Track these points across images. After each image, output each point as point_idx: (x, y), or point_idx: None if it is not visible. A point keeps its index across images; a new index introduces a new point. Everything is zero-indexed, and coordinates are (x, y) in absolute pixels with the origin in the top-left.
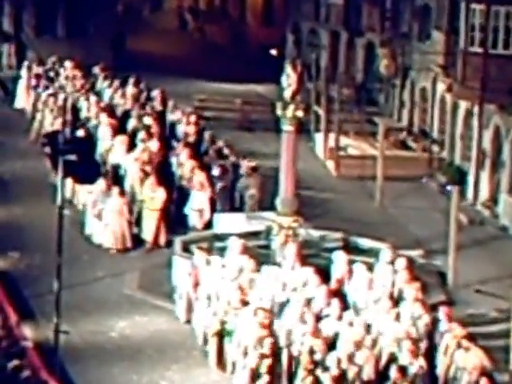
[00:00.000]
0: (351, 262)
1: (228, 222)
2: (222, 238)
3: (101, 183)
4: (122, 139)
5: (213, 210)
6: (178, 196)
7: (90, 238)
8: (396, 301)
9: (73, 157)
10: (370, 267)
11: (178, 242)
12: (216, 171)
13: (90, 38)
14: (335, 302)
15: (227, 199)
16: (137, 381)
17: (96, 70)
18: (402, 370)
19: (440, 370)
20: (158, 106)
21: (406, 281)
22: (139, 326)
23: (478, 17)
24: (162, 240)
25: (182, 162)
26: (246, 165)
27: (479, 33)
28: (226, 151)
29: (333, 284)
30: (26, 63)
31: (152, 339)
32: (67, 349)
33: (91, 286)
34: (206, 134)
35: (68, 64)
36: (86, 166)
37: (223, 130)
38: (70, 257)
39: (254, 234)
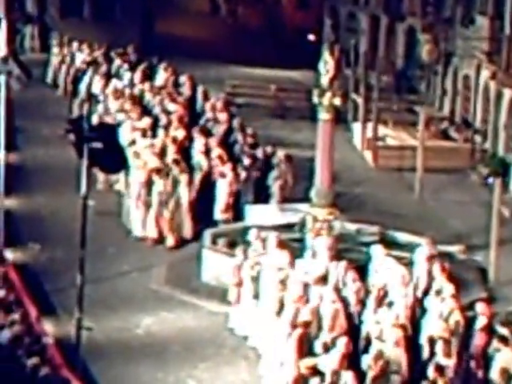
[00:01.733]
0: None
1: (260, 214)
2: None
3: (141, 175)
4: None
5: (238, 201)
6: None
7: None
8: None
9: (99, 144)
10: (406, 263)
11: (207, 234)
12: (246, 161)
13: (117, 20)
14: (371, 299)
15: (252, 190)
16: (163, 379)
17: (112, 54)
18: (440, 368)
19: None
20: (186, 91)
21: (444, 276)
22: (166, 323)
23: None
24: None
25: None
26: (276, 154)
27: None
28: (250, 140)
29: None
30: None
31: (179, 336)
32: (90, 346)
33: (116, 280)
34: (235, 122)
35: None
36: (112, 154)
37: (256, 117)
38: (95, 249)
39: (288, 227)
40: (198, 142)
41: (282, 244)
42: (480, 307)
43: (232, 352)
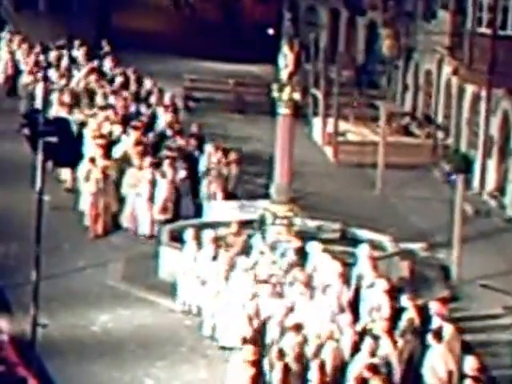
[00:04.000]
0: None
1: (220, 210)
2: (213, 226)
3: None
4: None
5: (178, 198)
6: None
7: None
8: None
9: (54, 139)
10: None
11: (164, 231)
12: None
13: (73, 13)
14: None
15: (189, 187)
16: (119, 378)
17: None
18: (374, 367)
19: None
20: (132, 85)
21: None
22: (122, 320)
23: None
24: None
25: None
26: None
27: (487, 13)
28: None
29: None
30: None
31: (136, 334)
32: (45, 343)
33: (72, 276)
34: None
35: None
36: (67, 148)
37: (215, 112)
38: (50, 245)
39: (247, 223)
40: (130, 137)
41: (215, 240)
42: (434, 306)
43: (190, 350)
